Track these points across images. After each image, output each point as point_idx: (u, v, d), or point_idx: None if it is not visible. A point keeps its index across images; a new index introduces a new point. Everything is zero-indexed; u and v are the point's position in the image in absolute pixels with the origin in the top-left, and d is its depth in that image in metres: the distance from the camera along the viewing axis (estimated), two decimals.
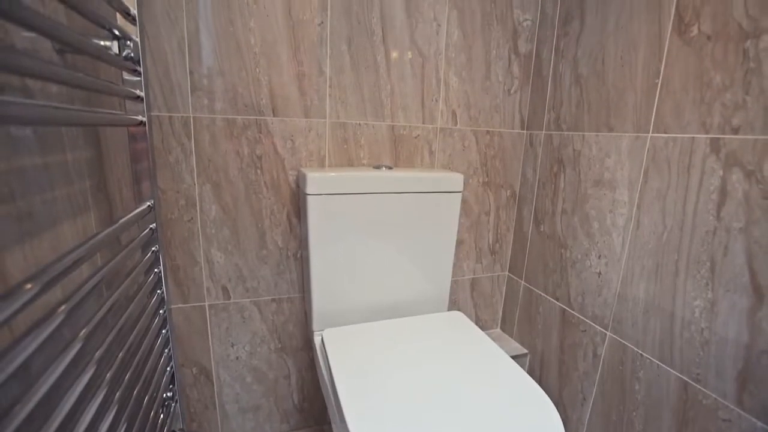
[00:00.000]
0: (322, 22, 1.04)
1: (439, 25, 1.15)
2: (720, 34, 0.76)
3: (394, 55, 1.13)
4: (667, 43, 0.86)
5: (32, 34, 0.51)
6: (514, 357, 1.34)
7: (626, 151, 0.97)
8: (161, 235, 0.83)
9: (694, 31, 0.81)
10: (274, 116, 1.06)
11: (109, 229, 0.52)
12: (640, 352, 0.96)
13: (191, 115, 0.99)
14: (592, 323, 1.10)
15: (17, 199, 0.49)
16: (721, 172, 0.77)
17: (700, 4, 0.80)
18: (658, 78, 0.88)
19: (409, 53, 1.14)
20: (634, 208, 0.96)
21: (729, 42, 0.75)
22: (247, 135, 1.05)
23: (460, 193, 1.09)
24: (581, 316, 1.13)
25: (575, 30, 1.11)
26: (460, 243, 1.36)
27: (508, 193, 1.38)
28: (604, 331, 1.06)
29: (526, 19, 1.25)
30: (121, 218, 0.59)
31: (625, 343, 1.00)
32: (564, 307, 1.20)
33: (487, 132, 1.29)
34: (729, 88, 0.75)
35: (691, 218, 0.83)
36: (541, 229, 1.28)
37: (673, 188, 0.86)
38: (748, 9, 0.72)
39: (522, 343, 1.41)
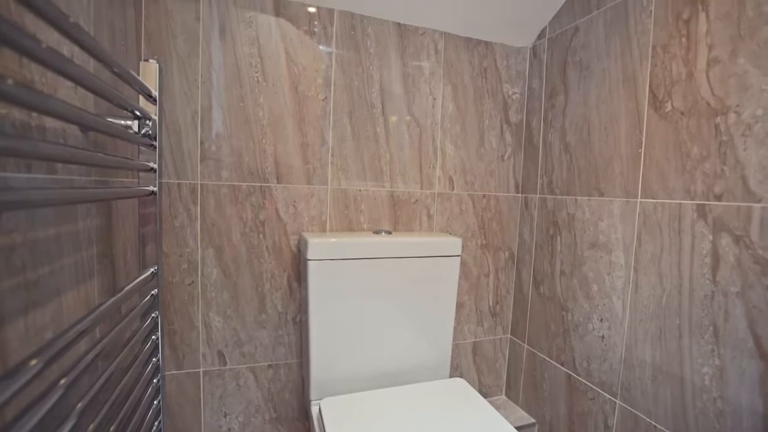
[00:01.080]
0: (326, 97, 1.13)
1: (434, 99, 1.24)
2: (692, 111, 0.82)
3: (393, 125, 1.20)
4: (645, 116, 0.93)
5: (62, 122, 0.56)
6: (520, 427, 1.28)
7: (618, 215, 1.00)
8: (162, 300, 0.83)
9: (668, 107, 0.87)
10: (278, 183, 1.11)
11: (112, 300, 0.53)
12: (654, 423, 0.92)
13: (199, 182, 1.04)
14: (600, 390, 1.06)
15: (27, 271, 0.51)
16: (711, 237, 0.79)
17: (670, 84, 0.87)
18: (641, 148, 0.94)
19: (407, 124, 1.22)
20: (631, 271, 0.97)
21: (701, 117, 0.81)
22: (251, 201, 1.09)
23: (459, 257, 1.11)
24: (588, 383, 1.10)
25: (561, 103, 1.19)
26: (460, 306, 1.35)
27: (506, 255, 1.40)
28: (613, 399, 1.02)
29: (515, 93, 1.34)
30: (125, 287, 0.60)
31: (637, 413, 0.96)
32: (569, 372, 1.16)
33: (483, 196, 1.33)
34: (707, 159, 0.80)
35: (688, 282, 0.84)
36: (541, 291, 1.28)
37: (667, 252, 0.88)
38: (713, 89, 0.78)
39: (529, 412, 1.35)
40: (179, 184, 1.03)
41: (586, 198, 1.10)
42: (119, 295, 0.56)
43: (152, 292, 0.75)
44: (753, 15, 0.73)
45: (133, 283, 0.63)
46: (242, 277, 1.10)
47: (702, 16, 0.81)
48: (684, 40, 0.84)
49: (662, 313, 0.89)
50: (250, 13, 1.04)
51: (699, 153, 0.81)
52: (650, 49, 0.92)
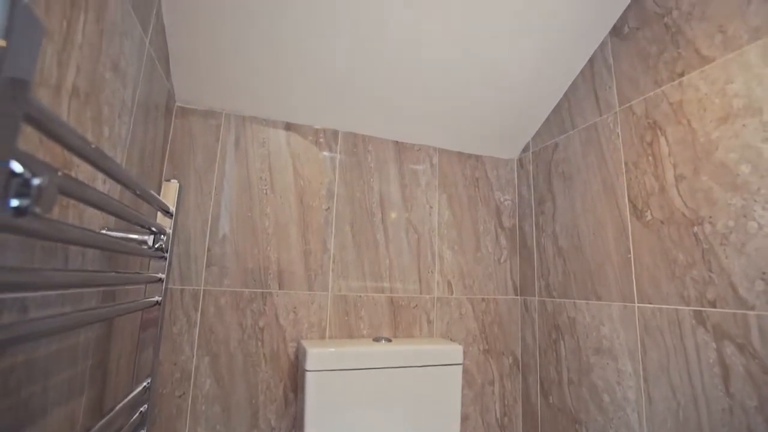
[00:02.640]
0: (329, 208, 1.20)
1: (431, 207, 1.32)
2: (670, 220, 0.88)
3: (392, 233, 1.26)
4: (629, 224, 0.98)
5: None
6: None
7: (618, 319, 1.00)
8: (151, 416, 0.80)
9: (649, 216, 0.93)
10: (279, 289, 1.12)
11: (99, 425, 0.52)
12: None
13: (202, 288, 1.06)
14: None
15: (21, 390, 0.50)
16: (714, 345, 0.79)
17: (646, 195, 0.94)
18: (630, 253, 0.97)
19: (406, 231, 1.28)
20: (641, 381, 0.93)
21: (680, 226, 0.86)
22: (252, 307, 1.10)
23: (461, 365, 1.07)
24: None
25: (549, 209, 1.26)
26: (465, 419, 1.26)
27: (510, 361, 1.35)
28: None
29: (506, 199, 1.43)
30: (114, 406, 0.59)
31: None
32: None
33: (483, 299, 1.34)
34: (693, 266, 0.83)
35: (702, 394, 0.80)
36: (550, 401, 1.21)
37: (673, 360, 0.86)
38: (686, 202, 0.85)
39: None
40: (182, 290, 1.05)
41: (585, 301, 1.10)
42: (107, 417, 0.54)
43: (141, 409, 0.72)
44: (704, 141, 0.82)
45: (123, 402, 0.61)
46: (237, 388, 1.06)
47: (662, 139, 0.91)
48: (651, 158, 0.93)
49: (681, 429, 0.84)
50: (263, 134, 1.17)
51: (685, 260, 0.84)
52: (623, 165, 1.01)
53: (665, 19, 0.93)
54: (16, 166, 0.24)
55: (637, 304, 0.95)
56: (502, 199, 1.42)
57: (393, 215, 1.27)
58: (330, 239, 1.19)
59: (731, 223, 0.76)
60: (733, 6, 0.79)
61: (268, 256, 1.13)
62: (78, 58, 0.56)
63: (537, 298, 1.30)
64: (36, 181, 0.25)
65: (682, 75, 0.88)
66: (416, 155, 1.34)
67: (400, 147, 1.32)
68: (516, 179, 1.46)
